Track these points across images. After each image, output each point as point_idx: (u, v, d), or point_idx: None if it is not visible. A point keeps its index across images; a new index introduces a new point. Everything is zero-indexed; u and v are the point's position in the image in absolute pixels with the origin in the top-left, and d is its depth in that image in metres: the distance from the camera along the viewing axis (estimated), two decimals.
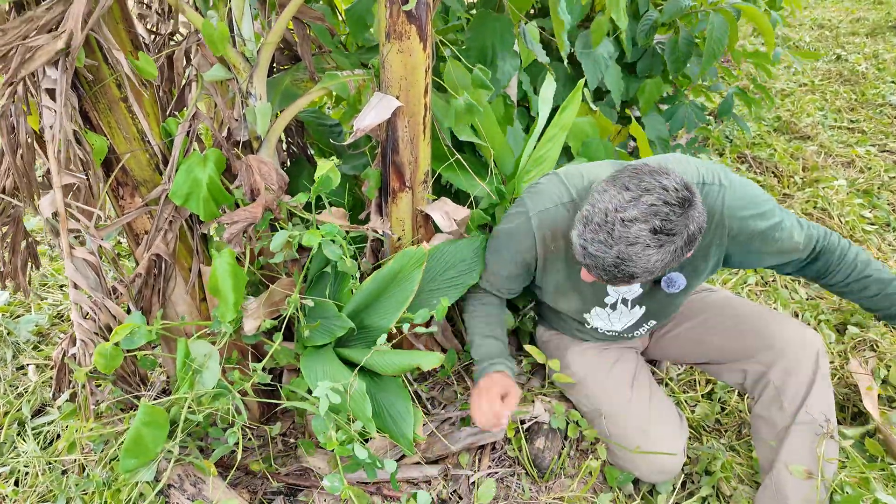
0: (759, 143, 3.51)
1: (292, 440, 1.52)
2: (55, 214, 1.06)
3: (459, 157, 1.36)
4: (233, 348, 1.37)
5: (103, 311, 1.14)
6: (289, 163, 1.62)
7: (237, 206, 1.23)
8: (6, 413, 1.44)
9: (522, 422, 1.46)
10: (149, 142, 1.14)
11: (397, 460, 1.38)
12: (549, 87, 1.56)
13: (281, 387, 1.31)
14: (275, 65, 1.50)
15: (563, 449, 1.48)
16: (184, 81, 1.24)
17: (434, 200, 1.39)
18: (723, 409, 1.81)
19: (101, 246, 1.13)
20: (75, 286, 1.12)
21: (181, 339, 1.15)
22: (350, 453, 1.11)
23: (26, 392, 1.50)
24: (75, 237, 1.12)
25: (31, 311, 1.82)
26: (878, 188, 2.96)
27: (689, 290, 1.36)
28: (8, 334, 1.66)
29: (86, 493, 1.09)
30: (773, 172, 3.21)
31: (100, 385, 1.19)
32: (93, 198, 1.12)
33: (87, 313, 1.15)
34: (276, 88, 1.39)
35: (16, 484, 1.24)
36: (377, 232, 1.37)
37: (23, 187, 1.05)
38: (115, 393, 1.19)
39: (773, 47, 1.89)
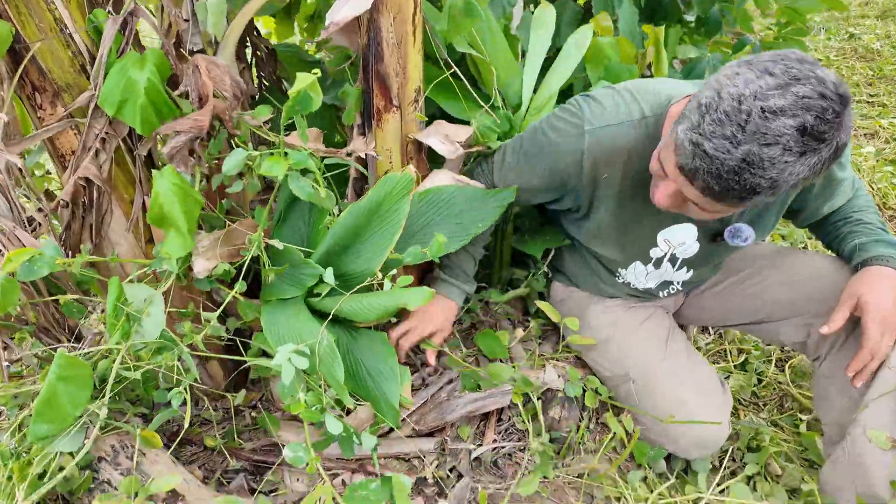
0: None
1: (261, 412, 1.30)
2: None
3: (457, 70, 1.14)
4: (188, 300, 1.15)
5: (14, 243, 0.92)
6: (258, 97, 1.40)
7: None
8: None
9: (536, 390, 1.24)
10: (71, 36, 0.93)
11: (386, 433, 1.15)
12: (547, 10, 1.35)
13: (248, 352, 1.09)
14: None
15: (581, 420, 1.25)
16: None
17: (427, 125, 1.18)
18: (759, 381, 1.59)
19: (11, 164, 0.91)
20: None
21: (113, 277, 0.93)
22: (320, 420, 0.89)
23: None
24: None
25: None
26: None
27: (744, 248, 1.17)
28: None
29: None
30: None
31: (14, 338, 0.98)
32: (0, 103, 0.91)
33: None
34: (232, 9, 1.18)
35: None
36: (361, 159, 1.15)
37: None
38: (36, 346, 0.98)
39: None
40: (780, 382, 1.57)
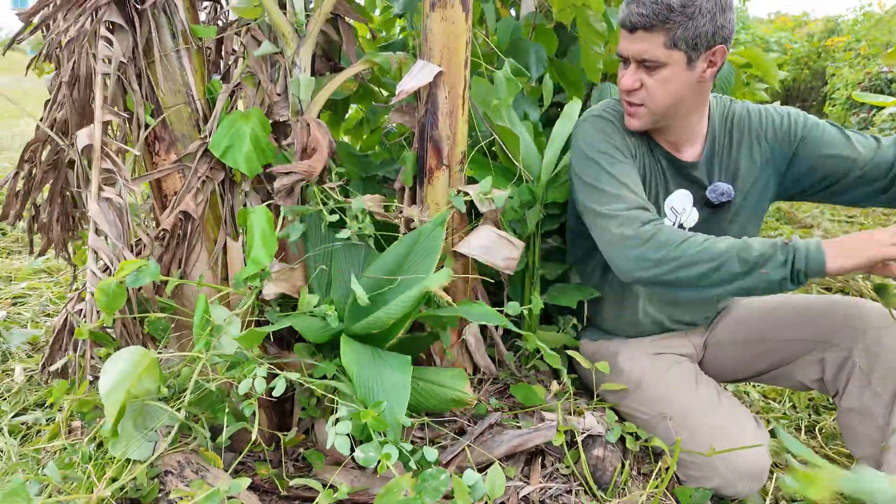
0: (764, 227, 3.57)
1: (304, 463, 1.31)
2: (89, 149, 1.02)
3: (497, 137, 1.35)
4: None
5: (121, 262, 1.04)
6: None
7: None
8: None
9: (580, 432, 1.27)
10: (192, 96, 1.14)
11: None
12: (574, 105, 1.62)
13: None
14: (315, 74, 1.57)
15: (624, 461, 1.27)
16: (230, 61, 1.29)
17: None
18: None
19: (130, 193, 1.07)
20: (96, 231, 1.04)
21: (200, 295, 1.04)
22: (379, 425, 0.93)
23: (9, 393, 1.30)
24: (105, 182, 1.07)
25: (28, 327, 1.66)
26: None
27: (741, 222, 1.31)
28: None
29: (68, 464, 0.89)
30: None
31: (101, 356, 1.05)
32: (129, 144, 1.09)
33: (105, 265, 1.05)
34: (316, 88, 1.44)
35: None
36: (411, 222, 1.31)
37: (73, 123, 1.02)
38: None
39: (774, 85, 2.00)
40: (812, 447, 1.57)
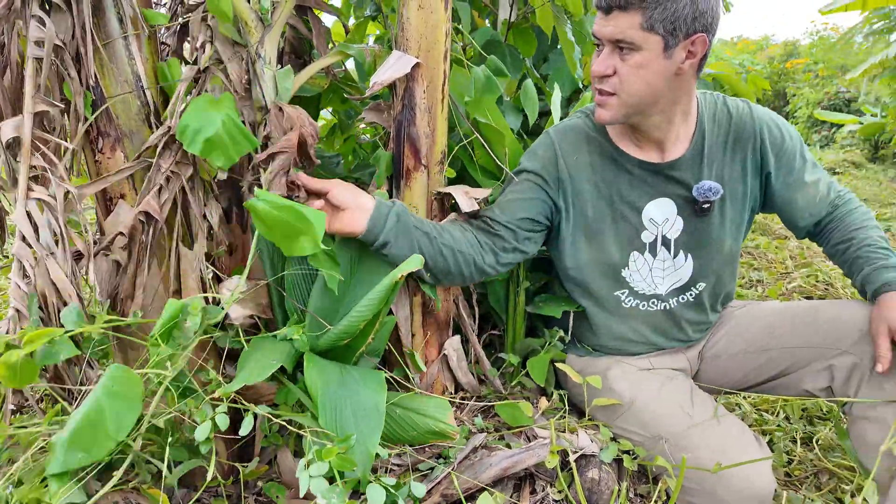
0: None
1: (267, 498, 1.17)
2: (16, 142, 0.89)
3: (479, 136, 1.26)
4: (210, 355, 1.10)
5: (41, 273, 0.90)
6: None
7: None
8: None
9: (573, 451, 1.17)
10: (142, 87, 1.02)
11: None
12: (557, 94, 1.55)
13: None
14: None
15: (620, 482, 1.17)
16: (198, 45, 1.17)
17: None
18: (790, 461, 1.53)
19: (67, 194, 0.94)
20: (23, 238, 0.90)
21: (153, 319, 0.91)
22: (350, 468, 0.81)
23: None
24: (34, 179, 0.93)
25: None
26: None
27: (730, 229, 1.26)
28: None
29: None
30: (764, 259, 3.21)
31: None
32: (67, 140, 0.97)
33: (29, 278, 0.91)
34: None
35: None
36: None
37: (5, 114, 0.89)
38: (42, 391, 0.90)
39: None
40: (811, 460, 1.50)
